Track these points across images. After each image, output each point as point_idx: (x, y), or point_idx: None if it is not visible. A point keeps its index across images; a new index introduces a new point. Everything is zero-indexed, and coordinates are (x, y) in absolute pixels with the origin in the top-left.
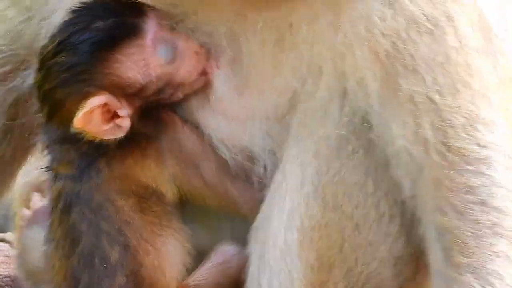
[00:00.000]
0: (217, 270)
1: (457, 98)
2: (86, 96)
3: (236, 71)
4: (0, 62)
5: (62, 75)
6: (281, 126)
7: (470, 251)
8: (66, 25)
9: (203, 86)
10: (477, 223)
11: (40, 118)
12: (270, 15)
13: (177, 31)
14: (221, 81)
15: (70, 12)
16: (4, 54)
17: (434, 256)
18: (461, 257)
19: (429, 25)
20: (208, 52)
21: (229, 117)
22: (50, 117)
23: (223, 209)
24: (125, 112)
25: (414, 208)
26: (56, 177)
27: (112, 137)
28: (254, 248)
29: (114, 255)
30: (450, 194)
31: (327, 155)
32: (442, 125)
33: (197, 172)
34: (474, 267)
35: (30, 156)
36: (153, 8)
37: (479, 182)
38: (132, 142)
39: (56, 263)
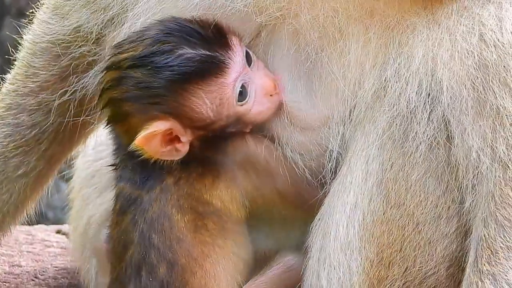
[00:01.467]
0: (279, 279)
1: None
2: (154, 118)
3: (308, 81)
4: (66, 58)
5: (135, 91)
6: (350, 123)
7: (498, 261)
8: (151, 40)
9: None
10: None
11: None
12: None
13: (255, 60)
14: (292, 93)
15: (158, 25)
16: (71, 50)
17: (467, 262)
18: (487, 264)
19: None
20: (282, 86)
21: (303, 127)
22: (111, 122)
23: (297, 215)
24: (186, 139)
25: (469, 217)
26: (120, 176)
27: (167, 158)
28: (314, 240)
29: (161, 271)
30: (497, 208)
31: (391, 150)
32: None
33: (271, 185)
34: (495, 275)
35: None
36: (233, 31)
37: None
38: (203, 166)
39: (113, 262)
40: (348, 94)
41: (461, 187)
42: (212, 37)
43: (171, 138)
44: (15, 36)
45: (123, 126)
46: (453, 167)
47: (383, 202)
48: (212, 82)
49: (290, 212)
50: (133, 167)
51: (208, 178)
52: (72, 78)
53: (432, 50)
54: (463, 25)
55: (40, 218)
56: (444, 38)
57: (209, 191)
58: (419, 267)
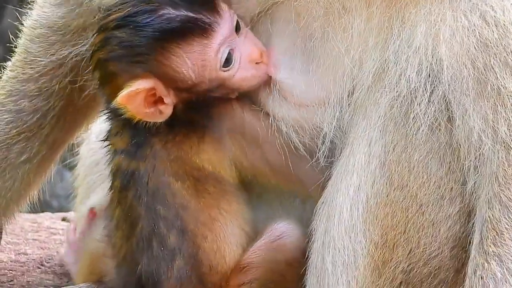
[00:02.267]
0: (270, 247)
1: None
2: (137, 76)
3: (305, 57)
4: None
5: (119, 51)
6: (350, 105)
7: (503, 242)
8: (136, 0)
9: (267, 80)
10: None
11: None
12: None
13: (244, 28)
14: (287, 70)
15: None
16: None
17: (472, 244)
18: (493, 245)
19: None
20: (270, 55)
21: (298, 104)
22: (101, 85)
23: (287, 188)
24: (169, 101)
25: (472, 198)
26: (115, 151)
27: (151, 120)
28: (319, 223)
29: (172, 239)
30: (501, 189)
31: (393, 132)
32: None
33: (261, 154)
34: (501, 256)
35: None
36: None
37: None
38: (187, 128)
39: (118, 242)
40: (349, 74)
41: (463, 169)
42: (199, 1)
43: (155, 100)
44: (16, 23)
45: (110, 88)
46: (455, 148)
47: (386, 184)
48: (194, 42)
49: (285, 186)
50: (125, 136)
51: (193, 140)
52: (71, 63)
53: (434, 26)
54: (465, 1)
55: (45, 207)
56: (446, 14)
57: (197, 154)
58: (423, 248)
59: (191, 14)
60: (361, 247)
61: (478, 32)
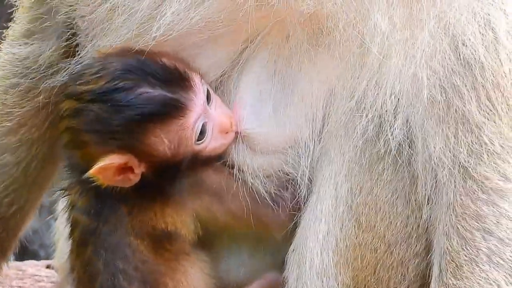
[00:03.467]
0: None
1: (499, 123)
2: (111, 151)
3: (272, 103)
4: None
5: (95, 125)
6: (316, 150)
7: (463, 274)
8: (112, 75)
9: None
10: (476, 249)
11: None
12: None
13: (214, 97)
14: (253, 120)
15: (119, 59)
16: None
17: (432, 277)
18: (452, 278)
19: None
20: (236, 111)
21: (265, 152)
22: (69, 148)
23: (255, 236)
24: (139, 170)
25: (429, 231)
26: (74, 205)
27: (119, 185)
28: (291, 270)
29: None
30: (458, 220)
31: (359, 174)
32: (478, 150)
33: (225, 208)
34: None
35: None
36: (195, 69)
37: (488, 211)
38: (153, 192)
39: None
40: (315, 119)
41: (421, 205)
42: (174, 78)
43: (125, 168)
44: None
45: (80, 153)
46: (416, 182)
47: (355, 227)
48: (172, 123)
49: (252, 235)
50: (87, 195)
51: (158, 205)
52: (47, 107)
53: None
54: (432, 25)
55: (32, 257)
56: (416, 38)
57: (160, 218)
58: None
59: (168, 95)
60: None
61: (445, 57)
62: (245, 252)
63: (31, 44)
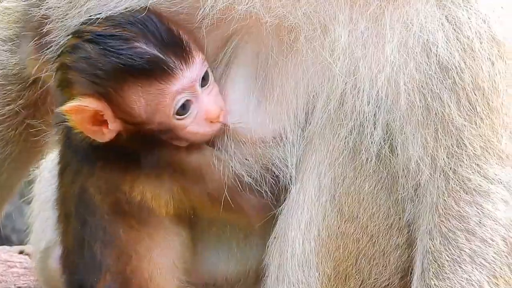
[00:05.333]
0: None
1: (480, 125)
2: (89, 95)
3: (259, 93)
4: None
5: (83, 64)
6: (300, 140)
7: (445, 275)
8: (116, 23)
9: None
10: (459, 249)
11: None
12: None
13: (212, 83)
14: (241, 111)
15: (131, 13)
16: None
17: (414, 275)
18: (434, 279)
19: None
20: (225, 102)
21: (251, 143)
22: (58, 87)
23: (233, 223)
24: (114, 127)
25: (411, 228)
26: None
27: (91, 137)
28: (272, 258)
29: (98, 251)
30: (441, 220)
31: (342, 164)
32: (458, 152)
33: (199, 187)
34: None
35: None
36: (201, 47)
37: (471, 212)
38: (128, 158)
39: (60, 236)
40: (301, 109)
41: (403, 203)
42: (173, 43)
43: (100, 121)
44: None
45: (65, 94)
46: (397, 181)
47: (337, 216)
48: (153, 85)
49: (230, 222)
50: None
51: (131, 172)
52: (27, 110)
53: (379, 55)
54: (409, 30)
55: (5, 242)
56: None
57: (130, 184)
58: (374, 278)
59: (158, 55)
60: (315, 280)
61: (420, 63)
62: (234, 245)
63: (9, 51)
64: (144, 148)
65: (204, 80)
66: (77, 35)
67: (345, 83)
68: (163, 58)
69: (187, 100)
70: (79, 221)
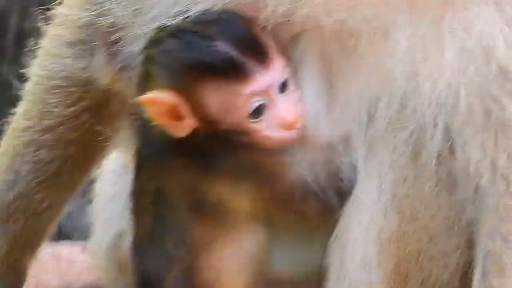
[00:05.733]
0: None
1: None
2: (167, 88)
3: (327, 95)
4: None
5: (164, 58)
6: (364, 142)
7: (506, 278)
8: (200, 20)
9: None
10: None
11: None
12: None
13: (292, 90)
14: (310, 113)
15: (218, 13)
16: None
17: (475, 276)
18: (495, 280)
19: None
20: (302, 118)
21: (317, 145)
22: (141, 79)
23: (295, 223)
24: (190, 123)
25: (474, 229)
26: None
27: (167, 129)
28: (333, 260)
29: (169, 245)
30: (501, 223)
31: (403, 166)
32: None
33: (271, 190)
34: None
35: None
36: (283, 52)
37: None
38: (204, 157)
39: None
40: (366, 111)
41: (463, 204)
42: (253, 45)
43: (177, 115)
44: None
45: (146, 86)
46: (458, 179)
47: (398, 217)
48: (228, 84)
49: (295, 223)
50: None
51: (209, 171)
52: (90, 111)
53: (441, 56)
54: (469, 32)
55: (66, 239)
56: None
57: (208, 183)
58: (435, 279)
59: (237, 55)
60: (376, 281)
61: (479, 68)
62: (296, 245)
63: (74, 55)
64: (220, 147)
65: (284, 86)
66: (161, 29)
67: (406, 87)
68: (241, 58)
69: (262, 105)
70: (155, 216)
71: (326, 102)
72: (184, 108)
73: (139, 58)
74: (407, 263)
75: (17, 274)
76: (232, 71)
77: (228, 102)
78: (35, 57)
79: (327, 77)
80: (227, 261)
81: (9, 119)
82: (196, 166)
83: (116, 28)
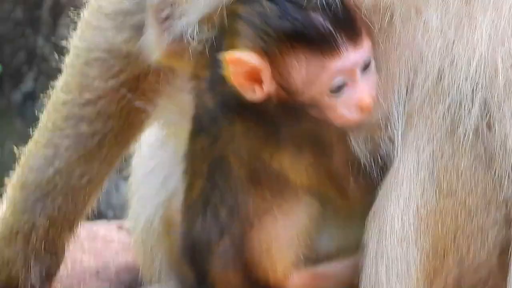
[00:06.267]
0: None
1: None
2: (254, 49)
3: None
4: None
5: (256, 19)
6: (402, 115)
7: None
8: None
9: None
10: None
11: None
12: None
13: (372, 72)
14: None
15: None
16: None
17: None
18: None
19: None
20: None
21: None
22: (220, 33)
23: (334, 200)
24: (267, 88)
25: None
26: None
27: (240, 90)
28: (370, 235)
29: (223, 214)
30: None
31: (441, 139)
32: None
33: (328, 163)
34: None
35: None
36: (372, 36)
37: None
38: (271, 126)
39: (186, 184)
40: (401, 88)
41: (500, 181)
42: (347, 22)
43: (256, 78)
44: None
45: (228, 42)
46: (496, 154)
47: (436, 192)
48: (317, 57)
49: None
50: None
51: (271, 141)
52: (130, 84)
53: (472, 34)
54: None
55: (100, 217)
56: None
57: (270, 153)
58: (473, 255)
59: (331, 29)
60: (414, 257)
61: None
62: (336, 221)
63: (115, 27)
64: (289, 118)
65: (366, 67)
66: None
67: (442, 61)
68: (334, 34)
69: (345, 82)
70: (210, 182)
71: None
72: (267, 73)
73: (196, 33)
74: (445, 240)
75: (55, 254)
76: (325, 45)
77: (313, 74)
78: (74, 28)
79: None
80: (278, 234)
81: (47, 93)
82: (260, 134)
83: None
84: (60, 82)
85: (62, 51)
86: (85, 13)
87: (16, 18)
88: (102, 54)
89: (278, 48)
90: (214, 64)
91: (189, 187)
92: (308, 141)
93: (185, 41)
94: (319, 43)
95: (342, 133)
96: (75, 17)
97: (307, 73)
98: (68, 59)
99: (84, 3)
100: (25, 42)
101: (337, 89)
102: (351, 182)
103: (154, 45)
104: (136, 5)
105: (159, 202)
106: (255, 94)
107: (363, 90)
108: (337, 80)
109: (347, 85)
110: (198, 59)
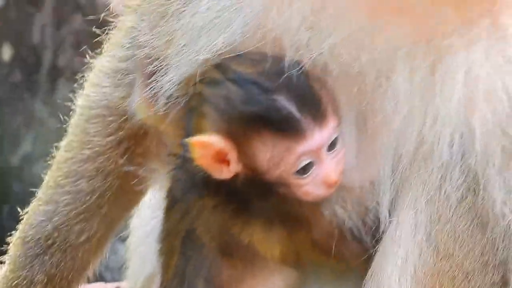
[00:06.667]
0: None
1: None
2: (220, 132)
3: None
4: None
5: (220, 102)
6: (395, 180)
7: None
8: (264, 70)
9: None
10: None
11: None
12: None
13: (339, 149)
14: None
15: (279, 60)
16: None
17: None
18: None
19: None
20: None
21: (349, 186)
22: (188, 111)
23: (330, 263)
24: (235, 168)
25: (507, 268)
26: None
27: (209, 171)
28: None
29: (200, 286)
30: None
31: (439, 202)
32: None
33: (307, 235)
34: None
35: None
36: (338, 111)
37: None
38: (240, 202)
39: (162, 261)
40: (394, 148)
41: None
42: (312, 104)
43: (222, 159)
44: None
45: (195, 122)
46: (489, 217)
47: (433, 254)
48: (282, 141)
49: (329, 262)
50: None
51: (241, 215)
52: (127, 143)
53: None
54: (500, 59)
55: (99, 279)
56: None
57: (240, 227)
58: None
59: (295, 113)
60: None
61: (497, 104)
62: (331, 283)
63: (113, 84)
64: (257, 194)
65: (333, 144)
66: (221, 70)
67: (421, 127)
68: (299, 117)
69: (310, 162)
70: (184, 257)
71: (355, 143)
72: (233, 155)
73: (177, 93)
74: None
75: None
76: (289, 129)
77: (279, 157)
78: (73, 91)
79: (350, 120)
80: None
81: (45, 155)
82: (229, 208)
83: (151, 58)
84: (64, 142)
85: (60, 114)
86: (89, 74)
87: (14, 81)
88: (101, 110)
89: (243, 131)
90: (184, 143)
91: (165, 267)
92: (279, 215)
93: (167, 100)
94: (284, 127)
95: (316, 205)
96: (75, 81)
97: (272, 156)
98: (72, 119)
99: (81, 67)
100: (23, 105)
101: (303, 169)
102: (341, 246)
103: (139, 103)
104: (133, 64)
105: (156, 266)
106: (222, 173)
107: (329, 168)
108: (302, 162)
109: (313, 165)
110: (178, 124)
